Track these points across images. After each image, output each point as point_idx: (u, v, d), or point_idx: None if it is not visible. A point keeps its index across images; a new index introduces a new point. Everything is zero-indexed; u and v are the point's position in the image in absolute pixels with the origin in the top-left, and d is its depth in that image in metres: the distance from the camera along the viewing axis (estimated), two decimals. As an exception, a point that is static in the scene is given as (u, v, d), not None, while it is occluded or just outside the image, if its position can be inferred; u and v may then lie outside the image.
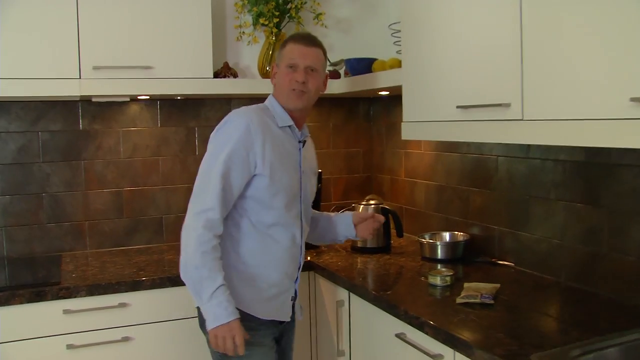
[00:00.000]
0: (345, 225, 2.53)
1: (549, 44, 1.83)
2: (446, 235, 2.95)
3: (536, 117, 1.89)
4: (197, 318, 2.27)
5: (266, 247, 2.20)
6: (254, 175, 2.13)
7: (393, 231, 3.04)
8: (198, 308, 2.20)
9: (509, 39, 1.97)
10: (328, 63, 3.31)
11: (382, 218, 2.56)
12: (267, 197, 2.15)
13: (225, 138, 2.12)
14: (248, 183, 2.14)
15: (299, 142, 2.29)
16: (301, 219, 2.29)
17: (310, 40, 2.29)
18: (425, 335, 2.00)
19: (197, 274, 2.02)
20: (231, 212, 2.16)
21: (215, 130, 2.18)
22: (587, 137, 1.73)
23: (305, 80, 2.23)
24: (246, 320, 2.16)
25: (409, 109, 2.57)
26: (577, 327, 1.91)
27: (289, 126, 2.25)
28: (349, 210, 3.30)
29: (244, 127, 2.11)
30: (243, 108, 2.22)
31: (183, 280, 2.08)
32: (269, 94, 2.33)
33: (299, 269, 2.32)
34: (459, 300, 2.16)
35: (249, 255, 2.19)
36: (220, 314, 2.01)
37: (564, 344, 1.77)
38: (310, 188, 2.37)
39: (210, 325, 2.02)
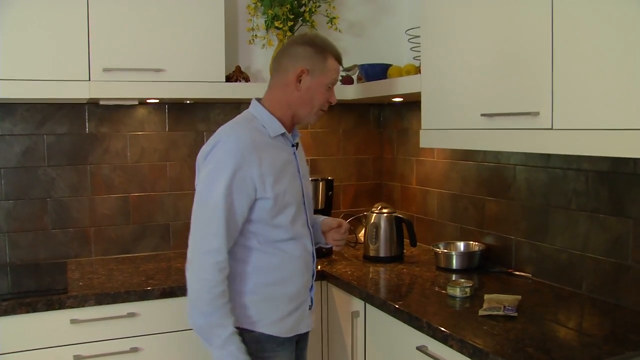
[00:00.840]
0: (316, 231, 2.36)
1: (581, 50, 1.80)
2: (461, 245, 2.90)
3: (567, 127, 1.86)
4: None
5: (280, 263, 2.09)
6: (256, 199, 2.01)
7: (406, 240, 2.99)
8: None
9: (539, 46, 1.93)
10: (341, 69, 3.29)
11: (346, 226, 2.35)
12: (270, 218, 2.03)
13: (219, 166, 1.96)
14: (251, 207, 2.01)
15: (292, 146, 2.18)
16: (308, 226, 2.21)
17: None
18: (450, 348, 1.94)
19: (206, 321, 1.96)
20: (238, 237, 2.05)
21: (205, 154, 2.02)
22: (621, 147, 1.71)
23: None
24: (266, 341, 2.09)
25: (429, 116, 2.52)
26: (608, 340, 1.87)
27: (282, 134, 2.13)
28: (357, 218, 3.27)
29: (237, 150, 1.96)
30: (230, 125, 2.08)
31: (190, 325, 2.01)
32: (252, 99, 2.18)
33: (313, 276, 2.23)
34: (481, 312, 2.11)
35: (264, 275, 2.08)
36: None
37: (597, 358, 1.73)
38: (310, 190, 2.27)
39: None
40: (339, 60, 2.20)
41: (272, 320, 2.09)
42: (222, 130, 2.06)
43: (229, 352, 1.95)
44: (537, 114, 1.94)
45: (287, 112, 2.14)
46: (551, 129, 1.90)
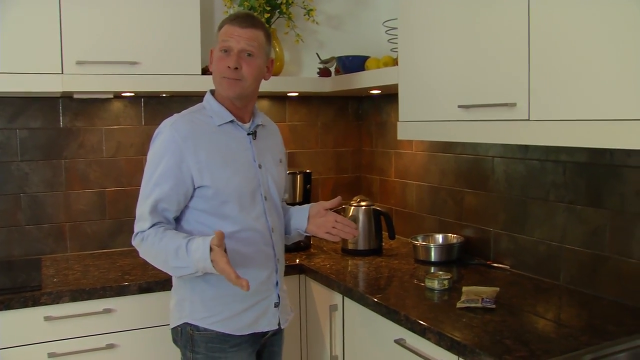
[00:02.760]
0: (300, 215, 2.25)
1: (558, 41, 1.80)
2: (439, 238, 2.89)
3: (544, 118, 1.86)
4: None
5: (232, 259, 1.96)
6: (196, 187, 2.00)
7: (384, 233, 2.98)
8: (172, 330, 2.13)
9: (516, 37, 1.93)
10: (319, 61, 3.27)
11: (343, 226, 2.19)
12: (216, 207, 2.01)
13: (155, 155, 2.01)
14: (193, 195, 2.01)
15: (248, 134, 2.13)
16: (267, 218, 2.11)
17: (247, 20, 2.05)
18: (428, 341, 1.94)
19: (160, 266, 2.02)
20: (188, 229, 2.04)
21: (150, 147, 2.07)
22: (597, 138, 1.71)
23: (239, 65, 2.01)
24: (217, 341, 2.04)
25: (406, 109, 2.51)
26: (585, 331, 1.87)
27: (231, 121, 2.09)
28: (335, 211, 3.24)
29: (171, 140, 1.97)
30: (174, 115, 2.06)
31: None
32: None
33: (276, 272, 2.15)
34: (459, 304, 2.10)
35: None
36: (201, 265, 1.88)
37: (575, 349, 1.73)
38: (275, 180, 2.16)
39: (213, 270, 1.88)
40: (233, 22, 2.05)
41: (223, 317, 2.03)
42: (164, 121, 2.06)
43: (196, 263, 1.89)
44: (514, 105, 1.94)
45: (222, 98, 2.11)
46: (528, 120, 1.90)
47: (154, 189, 1.98)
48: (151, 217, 1.98)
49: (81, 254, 3.04)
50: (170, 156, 1.97)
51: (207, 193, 2.00)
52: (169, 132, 1.99)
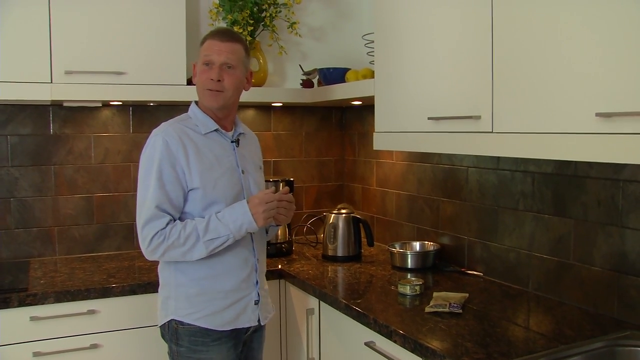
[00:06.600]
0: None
1: (519, 58, 1.87)
2: (416, 245, 2.97)
3: (505, 130, 1.93)
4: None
5: (213, 258, 2.15)
6: (189, 190, 2.12)
7: (364, 240, 3.06)
8: (161, 327, 2.24)
9: (480, 52, 2.01)
10: (302, 72, 3.36)
11: (272, 190, 2.23)
12: (203, 209, 2.12)
13: (148, 162, 2.10)
14: (186, 199, 2.13)
15: (232, 142, 2.25)
16: None
17: (227, 35, 2.19)
18: (394, 344, 2.01)
19: (203, 247, 2.08)
20: None
21: (140, 155, 2.17)
22: (555, 150, 1.78)
23: (220, 77, 2.15)
24: (200, 335, 2.15)
25: (381, 120, 2.59)
26: (544, 336, 1.95)
27: (215, 130, 2.21)
28: (319, 219, 3.33)
29: (162, 144, 2.09)
30: (162, 124, 2.18)
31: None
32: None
33: (256, 271, 2.27)
34: (427, 309, 2.18)
35: (197, 269, 2.15)
36: (239, 223, 2.10)
37: (531, 352, 1.80)
38: (257, 185, 2.30)
39: (253, 225, 2.12)
40: (214, 37, 2.19)
41: (206, 314, 2.15)
42: (153, 131, 2.17)
43: (224, 226, 2.09)
44: (478, 117, 2.02)
45: (205, 108, 2.23)
46: (491, 132, 1.98)
47: (155, 192, 2.07)
48: (163, 216, 2.07)
49: (69, 257, 3.11)
50: (164, 160, 2.08)
51: (197, 195, 2.12)
52: (160, 138, 2.11)
